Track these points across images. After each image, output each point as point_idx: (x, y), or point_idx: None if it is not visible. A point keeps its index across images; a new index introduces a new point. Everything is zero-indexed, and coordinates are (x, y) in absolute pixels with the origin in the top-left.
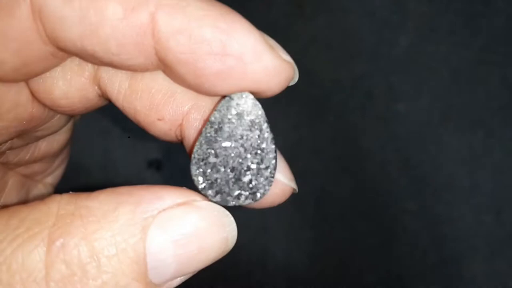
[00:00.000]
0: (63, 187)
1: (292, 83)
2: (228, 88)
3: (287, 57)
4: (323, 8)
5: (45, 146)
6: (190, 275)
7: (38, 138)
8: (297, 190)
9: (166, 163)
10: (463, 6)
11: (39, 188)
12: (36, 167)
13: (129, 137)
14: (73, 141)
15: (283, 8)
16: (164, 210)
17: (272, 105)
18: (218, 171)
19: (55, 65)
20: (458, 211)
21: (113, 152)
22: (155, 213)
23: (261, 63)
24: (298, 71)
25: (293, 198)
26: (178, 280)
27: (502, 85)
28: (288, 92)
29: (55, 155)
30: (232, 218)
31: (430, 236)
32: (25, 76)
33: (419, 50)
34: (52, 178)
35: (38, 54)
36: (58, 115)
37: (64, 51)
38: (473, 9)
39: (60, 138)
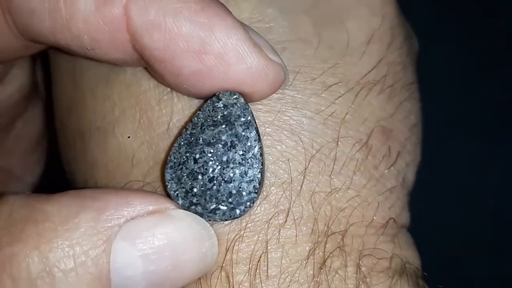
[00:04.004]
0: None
1: (284, 87)
2: (209, 90)
3: (276, 58)
4: None
5: (21, 129)
6: None
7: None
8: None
9: None
10: (464, 8)
11: (18, 187)
12: (14, 159)
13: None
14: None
15: None
16: (132, 218)
17: None
18: (195, 178)
19: (30, 53)
20: (459, 214)
21: None
22: (121, 222)
23: (244, 64)
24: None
25: None
26: None
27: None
28: None
29: (32, 142)
30: (212, 232)
31: (429, 238)
32: None
33: (420, 54)
34: (31, 176)
35: (9, 46)
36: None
37: (37, 43)
38: (474, 12)
39: (35, 120)
